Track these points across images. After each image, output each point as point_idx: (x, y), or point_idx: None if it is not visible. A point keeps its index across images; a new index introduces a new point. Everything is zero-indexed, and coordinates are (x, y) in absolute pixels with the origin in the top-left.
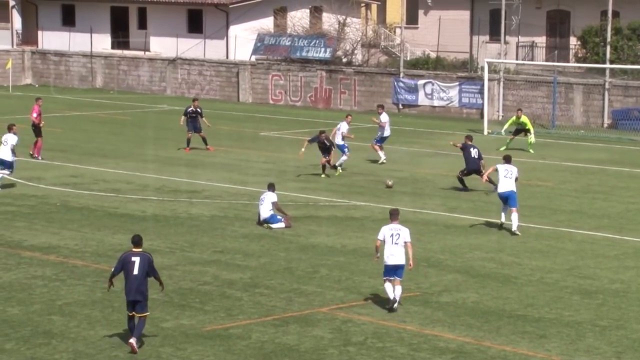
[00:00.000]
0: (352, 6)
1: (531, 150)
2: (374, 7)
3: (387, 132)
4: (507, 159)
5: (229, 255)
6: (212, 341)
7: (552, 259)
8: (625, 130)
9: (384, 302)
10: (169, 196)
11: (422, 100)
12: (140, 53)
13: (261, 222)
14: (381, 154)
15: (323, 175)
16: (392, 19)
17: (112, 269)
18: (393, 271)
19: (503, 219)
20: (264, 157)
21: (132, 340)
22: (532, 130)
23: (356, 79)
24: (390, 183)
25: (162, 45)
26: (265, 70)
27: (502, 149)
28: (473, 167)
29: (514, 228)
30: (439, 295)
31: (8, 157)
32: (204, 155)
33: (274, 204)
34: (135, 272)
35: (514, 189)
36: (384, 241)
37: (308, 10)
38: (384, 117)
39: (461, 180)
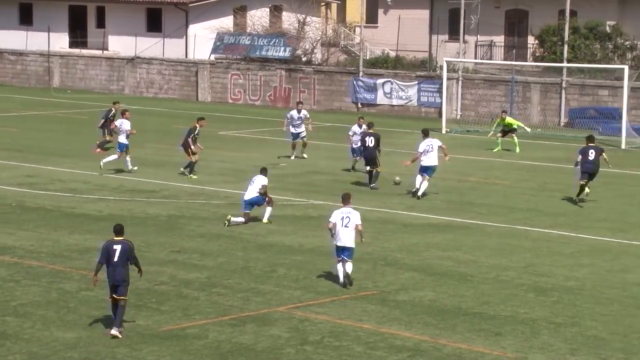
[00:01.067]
0: (312, 5)
1: (517, 150)
2: (333, 6)
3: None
4: (425, 133)
5: (186, 255)
6: (169, 341)
7: (508, 257)
8: (582, 129)
9: (342, 302)
10: (126, 196)
11: (381, 99)
12: (98, 52)
13: (247, 204)
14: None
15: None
16: (352, 18)
17: (97, 262)
18: (341, 252)
19: (417, 185)
20: (223, 156)
21: (114, 332)
22: (522, 126)
23: (315, 78)
24: (397, 180)
25: (120, 44)
26: (224, 70)
27: (495, 150)
28: (365, 156)
29: (419, 193)
30: (396, 294)
31: (123, 140)
32: (162, 154)
33: (263, 186)
34: (116, 259)
35: (436, 163)
36: (335, 224)
37: (268, 10)
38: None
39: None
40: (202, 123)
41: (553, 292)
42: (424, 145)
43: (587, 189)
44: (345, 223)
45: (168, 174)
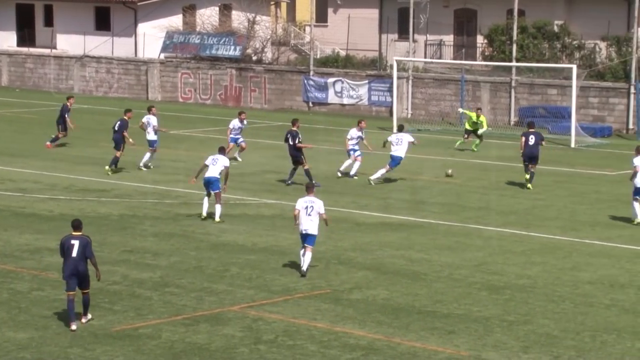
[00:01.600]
0: (262, 4)
1: (475, 149)
2: (283, 5)
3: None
4: (400, 128)
5: (139, 255)
6: (122, 341)
7: (460, 255)
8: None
9: (295, 301)
10: (77, 195)
11: (332, 98)
12: (46, 51)
13: (205, 184)
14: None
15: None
16: (302, 17)
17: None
18: (304, 239)
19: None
20: (174, 155)
21: (84, 320)
22: (484, 129)
23: (266, 77)
24: (450, 172)
25: (69, 43)
26: (174, 69)
27: (456, 144)
28: (290, 153)
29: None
30: (350, 293)
31: (152, 137)
32: (114, 154)
33: (225, 167)
34: (74, 254)
35: (402, 155)
36: (299, 211)
37: (217, 8)
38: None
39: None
40: (130, 115)
41: (505, 290)
42: (393, 137)
43: (529, 174)
44: (309, 212)
45: (121, 173)
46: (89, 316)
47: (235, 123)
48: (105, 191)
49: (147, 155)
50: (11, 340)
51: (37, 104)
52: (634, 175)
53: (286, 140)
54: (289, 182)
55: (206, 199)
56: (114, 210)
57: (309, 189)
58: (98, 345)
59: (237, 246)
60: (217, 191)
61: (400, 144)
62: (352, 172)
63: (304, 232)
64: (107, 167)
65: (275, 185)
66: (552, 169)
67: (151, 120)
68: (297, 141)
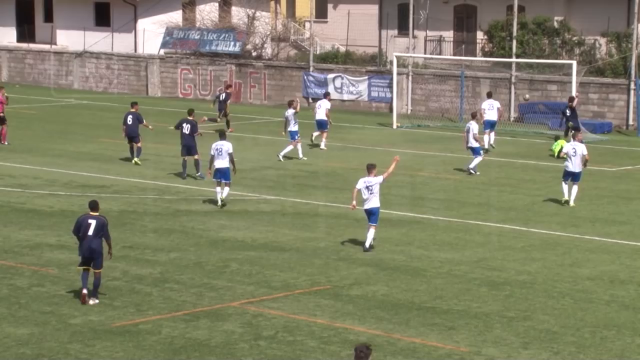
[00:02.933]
0: (261, 0)
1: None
2: (283, 1)
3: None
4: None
5: (139, 251)
6: (122, 337)
7: (460, 251)
8: (531, 124)
9: (295, 297)
10: (77, 191)
11: (331, 94)
12: (46, 46)
13: (217, 176)
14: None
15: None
16: (302, 13)
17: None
18: (369, 216)
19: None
20: (174, 151)
21: (92, 302)
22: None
23: (266, 72)
24: (527, 97)
25: (69, 39)
26: (174, 64)
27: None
28: (183, 143)
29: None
30: (349, 289)
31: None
32: (114, 150)
33: (230, 154)
34: (90, 233)
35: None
36: (360, 190)
37: (217, 4)
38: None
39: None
40: (137, 108)
41: (505, 286)
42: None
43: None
44: (371, 190)
45: (120, 169)
46: (97, 300)
47: (289, 113)
48: (105, 187)
49: (294, 147)
50: (11, 335)
51: (37, 99)
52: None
53: (178, 127)
54: (185, 176)
55: (218, 188)
56: (113, 206)
57: (370, 169)
58: (98, 341)
59: (237, 242)
60: (229, 181)
61: (491, 108)
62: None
63: (366, 207)
64: (135, 159)
65: (275, 181)
66: (551, 165)
67: (289, 113)
68: (194, 131)
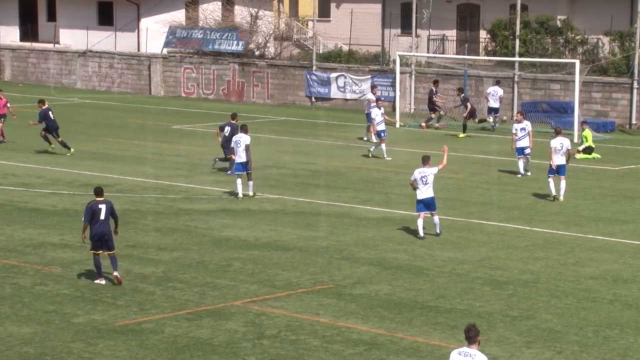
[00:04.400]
0: None
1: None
2: (286, 0)
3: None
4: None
5: (142, 250)
6: (125, 336)
7: (463, 250)
8: (534, 123)
9: (298, 296)
10: (80, 190)
11: (334, 93)
12: (49, 45)
13: (243, 168)
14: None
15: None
16: (305, 12)
17: (83, 221)
18: (425, 206)
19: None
20: (177, 150)
21: (116, 273)
22: (586, 144)
23: (269, 72)
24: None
25: (72, 38)
26: (177, 63)
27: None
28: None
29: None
30: (352, 288)
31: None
32: (116, 149)
33: (247, 146)
34: (102, 217)
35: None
36: (416, 180)
37: (220, 3)
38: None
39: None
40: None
41: (508, 285)
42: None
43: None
44: (425, 181)
45: (123, 168)
46: (120, 272)
47: (375, 112)
48: (108, 186)
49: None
50: (14, 334)
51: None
52: (551, 156)
53: (222, 129)
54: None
55: (239, 180)
56: (117, 205)
57: (425, 160)
58: (101, 340)
59: (240, 241)
60: (249, 172)
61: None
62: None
63: (421, 198)
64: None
65: (277, 180)
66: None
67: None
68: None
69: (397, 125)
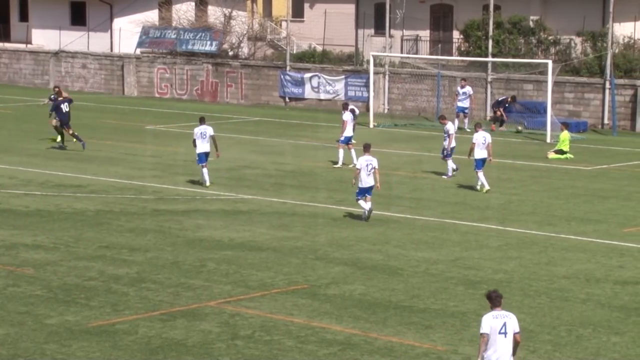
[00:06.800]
0: None
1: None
2: (259, 0)
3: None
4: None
5: (115, 250)
6: (98, 337)
7: (437, 250)
8: (508, 123)
9: (272, 296)
10: (53, 191)
11: (308, 93)
12: (22, 46)
13: (204, 158)
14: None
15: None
16: (278, 12)
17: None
18: (365, 192)
19: None
20: (150, 150)
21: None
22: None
23: (243, 72)
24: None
25: (44, 38)
26: (150, 64)
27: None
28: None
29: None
30: (327, 288)
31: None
32: (90, 149)
33: (212, 137)
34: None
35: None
36: (360, 168)
37: (193, 4)
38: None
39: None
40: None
41: (482, 284)
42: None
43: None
44: (369, 169)
45: (96, 168)
46: None
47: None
48: (82, 187)
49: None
50: None
51: (12, 99)
52: (471, 150)
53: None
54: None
55: (205, 169)
56: (90, 206)
57: (366, 148)
58: (74, 341)
59: (214, 242)
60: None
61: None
62: None
63: (364, 186)
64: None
65: (252, 180)
66: (528, 164)
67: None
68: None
69: (371, 126)
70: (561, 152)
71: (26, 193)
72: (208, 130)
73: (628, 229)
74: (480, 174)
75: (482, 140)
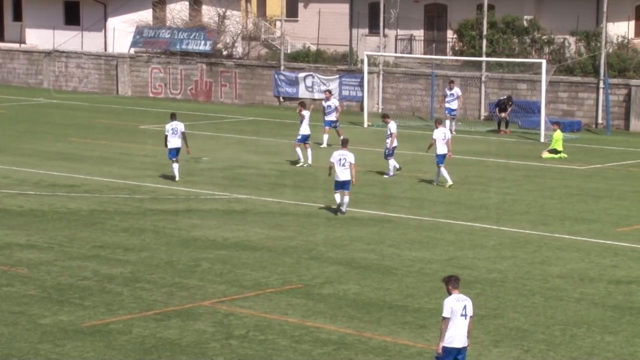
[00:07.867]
0: None
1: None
2: (253, 0)
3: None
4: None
5: (109, 250)
6: (92, 337)
7: (431, 249)
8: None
9: (267, 296)
10: (46, 191)
11: (302, 93)
12: (15, 45)
13: (174, 154)
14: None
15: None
16: (272, 12)
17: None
18: (341, 185)
19: None
20: (144, 150)
21: None
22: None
23: (237, 71)
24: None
25: (38, 38)
26: (144, 63)
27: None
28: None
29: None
30: (321, 287)
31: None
32: (83, 149)
33: (183, 133)
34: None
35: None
36: (334, 163)
37: (187, 3)
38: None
39: None
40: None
41: (476, 284)
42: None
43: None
44: (342, 163)
45: (90, 168)
46: None
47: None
48: (75, 186)
49: None
50: None
51: (6, 99)
52: (430, 146)
53: None
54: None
55: (175, 165)
56: (84, 206)
57: (344, 143)
58: (68, 341)
59: (208, 241)
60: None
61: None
62: None
63: (339, 180)
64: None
65: (246, 180)
66: (521, 164)
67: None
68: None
69: (366, 125)
70: (555, 151)
71: (20, 193)
72: (179, 126)
73: (622, 229)
74: (443, 169)
75: (442, 137)
